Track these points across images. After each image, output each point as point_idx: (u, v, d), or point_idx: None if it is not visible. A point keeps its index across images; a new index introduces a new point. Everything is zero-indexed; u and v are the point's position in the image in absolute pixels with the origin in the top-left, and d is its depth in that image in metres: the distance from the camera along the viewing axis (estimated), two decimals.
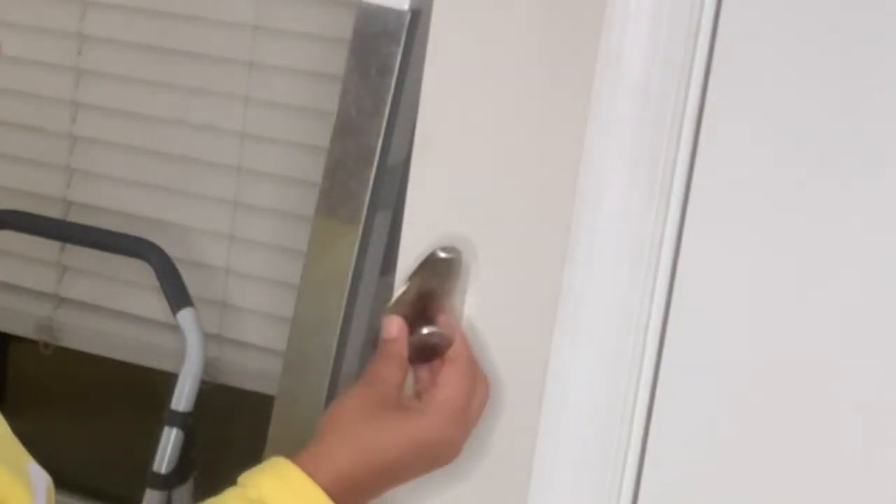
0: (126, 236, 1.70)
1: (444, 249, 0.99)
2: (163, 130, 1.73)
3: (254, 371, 1.73)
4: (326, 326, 1.20)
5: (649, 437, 0.98)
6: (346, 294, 1.18)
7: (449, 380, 0.96)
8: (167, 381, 1.67)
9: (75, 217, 1.80)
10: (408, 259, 1.05)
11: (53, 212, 1.80)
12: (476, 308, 1.02)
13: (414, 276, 0.98)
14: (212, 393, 1.71)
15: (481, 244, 1.01)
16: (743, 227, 0.93)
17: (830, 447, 0.93)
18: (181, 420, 1.64)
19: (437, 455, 0.96)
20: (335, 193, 1.17)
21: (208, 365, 1.69)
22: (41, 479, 0.87)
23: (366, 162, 1.15)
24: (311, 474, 0.91)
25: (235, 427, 1.84)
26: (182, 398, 1.64)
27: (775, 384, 0.94)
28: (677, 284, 0.96)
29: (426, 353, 0.97)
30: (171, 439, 1.64)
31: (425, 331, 0.98)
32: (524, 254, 1.01)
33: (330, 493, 0.91)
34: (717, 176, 0.93)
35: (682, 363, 0.96)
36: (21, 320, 1.87)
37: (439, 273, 0.99)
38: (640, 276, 0.95)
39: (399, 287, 0.98)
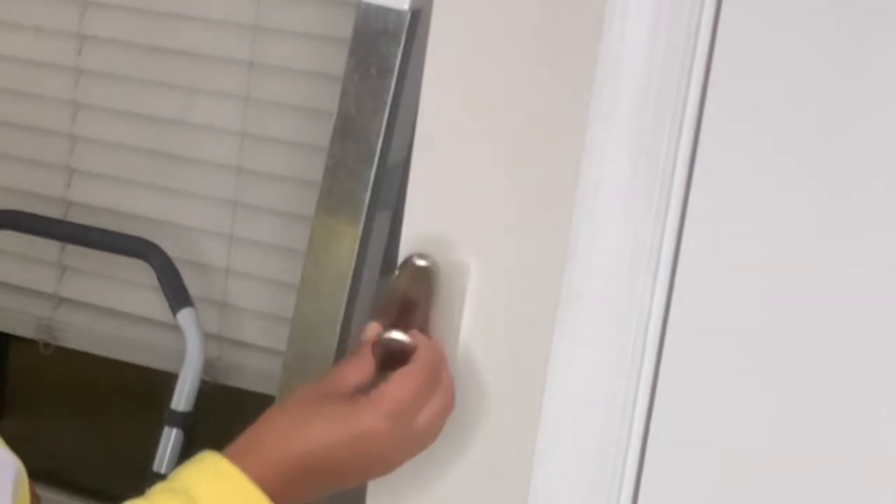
0: (126, 236, 1.70)
1: (420, 256, 0.99)
2: (163, 130, 1.73)
3: (254, 371, 1.73)
4: (326, 326, 1.20)
5: (649, 437, 0.98)
6: (346, 294, 1.18)
7: (397, 377, 0.95)
8: (167, 381, 1.68)
9: (75, 217, 1.80)
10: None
11: (53, 212, 1.80)
12: (476, 308, 1.02)
13: (396, 282, 0.99)
14: (212, 393, 1.71)
15: (481, 244, 1.01)
16: (743, 227, 0.93)
17: (831, 447, 0.93)
18: (181, 420, 1.64)
19: (367, 448, 0.93)
20: (335, 193, 1.17)
21: (208, 365, 1.69)
22: (8, 465, 0.87)
23: (366, 162, 1.15)
24: (240, 464, 0.90)
25: (235, 427, 1.83)
26: (182, 398, 1.64)
27: (775, 384, 0.94)
28: (677, 284, 0.96)
29: (394, 362, 0.97)
30: (171, 439, 1.64)
31: (388, 335, 0.97)
32: (524, 253, 1.01)
33: (260, 482, 0.89)
34: (717, 176, 0.93)
35: (682, 363, 0.96)
36: (21, 320, 1.87)
37: (420, 281, 0.99)
38: (640, 276, 0.95)
39: (382, 294, 0.98)
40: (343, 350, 1.20)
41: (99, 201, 1.79)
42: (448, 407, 0.98)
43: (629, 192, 0.95)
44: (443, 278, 1.00)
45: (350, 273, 1.18)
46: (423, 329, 0.99)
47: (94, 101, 1.77)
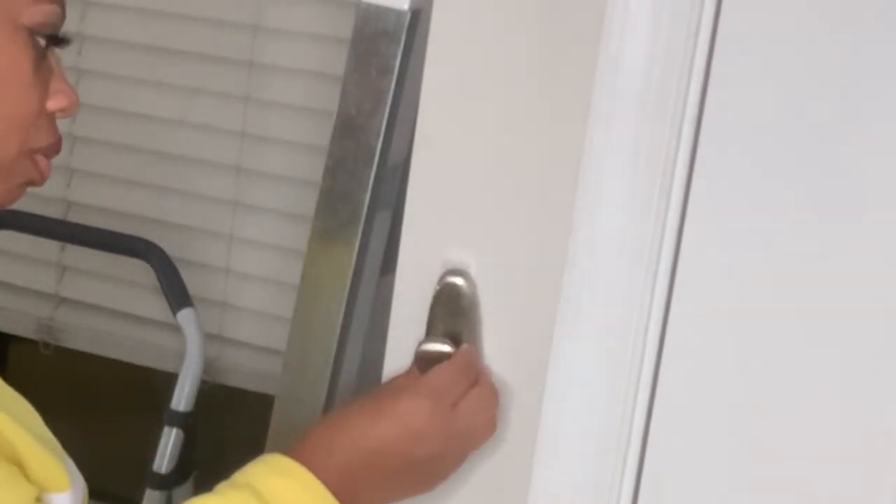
0: (126, 236, 1.70)
1: (455, 273, 1.00)
2: (163, 130, 1.73)
3: (254, 371, 1.73)
4: (326, 326, 1.20)
5: (649, 437, 0.98)
6: (346, 294, 1.18)
7: (437, 368, 0.97)
8: (167, 381, 1.68)
9: (75, 217, 1.80)
10: (408, 259, 1.05)
11: (53, 212, 1.80)
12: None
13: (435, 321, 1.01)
14: (212, 393, 1.71)
15: (481, 244, 1.01)
16: (743, 227, 0.93)
17: (831, 447, 0.93)
18: (181, 420, 1.64)
19: (413, 431, 0.94)
20: (335, 193, 1.17)
21: (208, 365, 1.69)
22: (78, 481, 0.89)
23: (366, 162, 1.15)
24: (310, 468, 0.91)
25: (235, 427, 1.83)
26: (182, 398, 1.64)
27: (775, 384, 0.94)
28: (677, 284, 0.96)
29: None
30: (171, 439, 1.64)
31: (424, 346, 1.00)
32: (524, 254, 1.01)
33: (329, 487, 0.91)
34: (717, 176, 0.93)
35: (682, 363, 0.96)
36: (21, 320, 1.87)
37: (458, 299, 1.00)
38: (640, 276, 0.95)
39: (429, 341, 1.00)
40: (343, 350, 1.20)
41: (99, 201, 1.79)
42: (490, 399, 0.99)
43: (629, 192, 0.95)
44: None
45: (350, 273, 1.18)
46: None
47: (94, 101, 1.77)
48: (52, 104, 0.93)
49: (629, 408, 0.98)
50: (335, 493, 0.91)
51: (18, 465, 0.85)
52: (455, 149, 1.02)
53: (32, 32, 0.89)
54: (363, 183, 1.16)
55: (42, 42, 0.90)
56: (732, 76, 0.92)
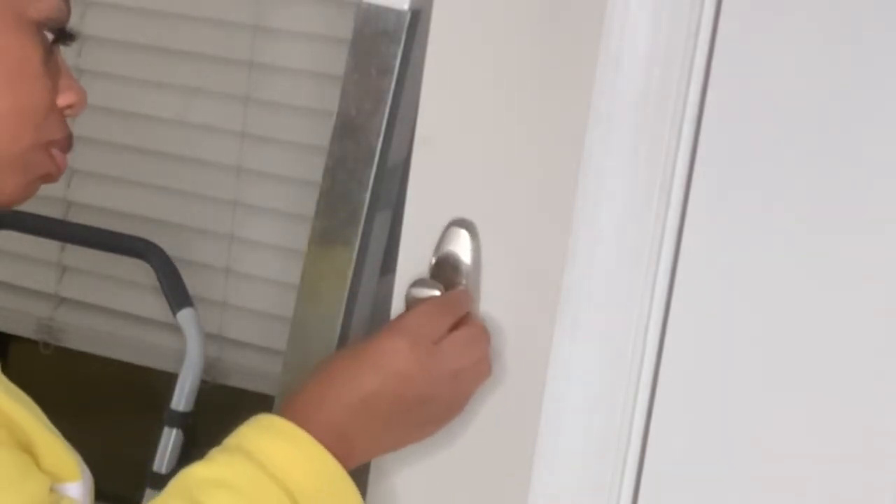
0: (126, 236, 1.70)
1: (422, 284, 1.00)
2: (163, 130, 1.73)
3: (254, 371, 1.73)
4: (326, 326, 1.19)
5: (649, 437, 0.98)
6: (346, 294, 1.18)
7: (416, 307, 0.96)
8: (167, 381, 1.67)
9: (75, 217, 1.80)
10: (408, 259, 1.05)
11: (53, 212, 1.80)
12: (476, 308, 1.02)
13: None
14: (212, 393, 1.71)
15: (481, 244, 1.01)
16: (743, 227, 0.93)
17: (831, 446, 0.93)
18: (181, 420, 1.64)
19: (395, 373, 0.93)
20: (335, 193, 1.17)
21: (208, 365, 1.69)
22: (86, 469, 0.89)
23: (366, 162, 1.15)
24: (302, 426, 0.90)
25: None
26: (182, 398, 1.64)
27: (775, 384, 0.94)
28: (677, 284, 0.96)
29: None
30: (171, 439, 1.64)
31: (413, 289, 0.99)
32: (524, 254, 1.01)
33: (324, 443, 0.89)
34: (717, 176, 0.93)
35: (682, 363, 0.96)
36: (21, 320, 1.87)
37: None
38: (640, 276, 0.95)
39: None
40: None
41: (99, 201, 1.79)
42: (478, 338, 0.97)
43: (629, 192, 0.95)
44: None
45: (350, 273, 1.18)
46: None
47: (94, 101, 1.76)
48: (62, 100, 0.93)
49: (629, 408, 0.98)
50: (330, 449, 0.90)
51: (31, 454, 0.85)
52: (455, 149, 1.02)
53: (40, 26, 0.89)
54: (363, 183, 1.16)
55: (49, 37, 0.90)
56: (732, 76, 0.92)
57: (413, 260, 1.04)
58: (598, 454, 0.99)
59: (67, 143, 0.94)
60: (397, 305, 1.04)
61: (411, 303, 0.99)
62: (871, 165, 0.89)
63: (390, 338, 0.94)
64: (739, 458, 0.95)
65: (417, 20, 1.12)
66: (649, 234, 0.95)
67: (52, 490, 0.85)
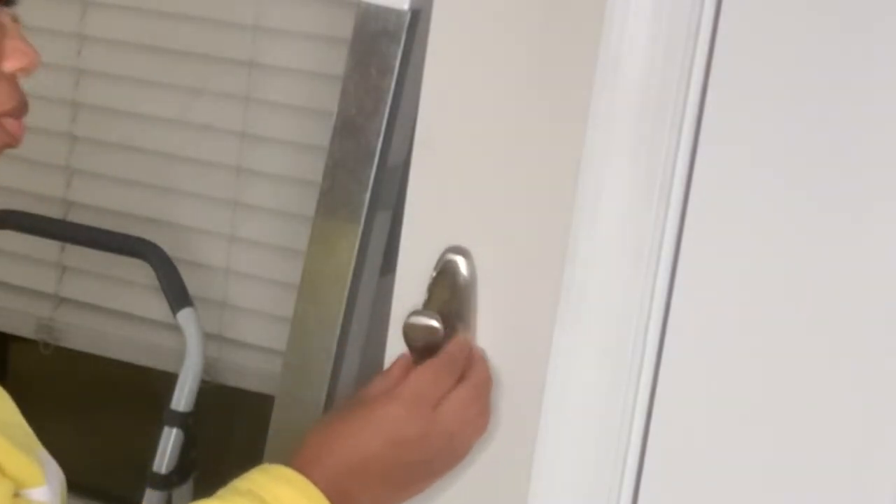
0: (126, 236, 1.70)
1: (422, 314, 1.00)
2: (163, 130, 1.73)
3: (254, 371, 1.73)
4: (326, 326, 1.20)
5: (649, 437, 0.98)
6: (346, 294, 1.18)
7: (416, 369, 0.97)
8: (167, 381, 1.67)
9: (75, 217, 1.80)
10: (408, 259, 1.05)
11: (53, 212, 1.80)
12: (476, 307, 1.02)
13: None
14: (212, 393, 1.71)
15: (481, 244, 1.01)
16: (743, 227, 0.93)
17: (831, 446, 0.93)
18: (181, 420, 1.64)
19: (395, 438, 0.94)
20: (335, 193, 1.17)
21: (208, 365, 1.69)
22: (54, 470, 0.89)
23: (366, 162, 1.15)
24: (308, 477, 0.92)
25: (235, 427, 1.83)
26: (182, 398, 1.63)
27: (775, 383, 0.94)
28: (677, 284, 0.96)
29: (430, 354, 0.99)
30: (171, 439, 1.63)
31: (413, 318, 1.00)
32: (524, 254, 1.01)
33: (328, 497, 0.91)
34: (717, 176, 0.93)
35: (682, 363, 0.96)
36: (21, 320, 1.87)
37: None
38: (640, 275, 0.95)
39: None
40: (343, 350, 1.20)
41: (99, 201, 1.79)
42: (477, 394, 0.98)
43: (629, 192, 0.95)
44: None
45: (350, 273, 1.18)
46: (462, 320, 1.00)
47: (94, 101, 1.77)
48: (8, 64, 0.89)
49: (629, 408, 0.98)
50: (333, 502, 0.92)
51: None
52: (455, 149, 1.02)
53: None
54: (363, 183, 1.16)
55: None
56: (732, 76, 0.92)
57: (413, 260, 1.04)
58: (597, 455, 0.99)
59: (20, 110, 0.90)
60: (397, 310, 1.04)
61: (409, 331, 0.99)
62: (872, 164, 0.89)
63: (390, 404, 0.96)
64: (739, 457, 0.95)
65: (417, 20, 1.12)
66: (649, 233, 0.95)
67: (16, 495, 0.84)
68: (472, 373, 0.99)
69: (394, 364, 1.01)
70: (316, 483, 0.91)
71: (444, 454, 0.98)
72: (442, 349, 0.99)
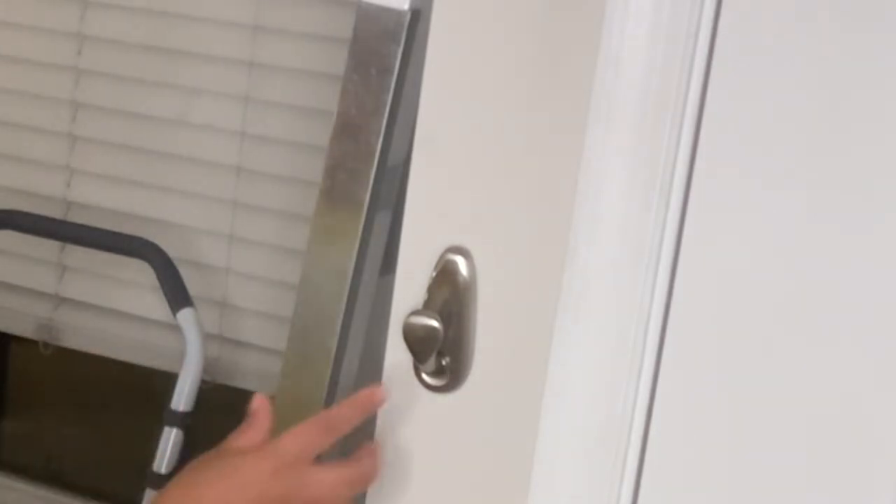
0: (126, 236, 1.70)
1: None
2: (163, 130, 1.73)
3: (254, 371, 1.73)
4: (326, 326, 1.20)
5: (649, 436, 0.98)
6: (346, 294, 1.18)
7: (293, 430, 1.01)
8: (167, 381, 1.67)
9: (75, 217, 1.80)
10: (408, 259, 1.05)
11: (53, 212, 1.80)
12: (476, 308, 1.02)
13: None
14: (212, 393, 1.71)
15: (481, 244, 1.01)
16: (743, 227, 0.93)
17: (831, 447, 0.93)
18: (181, 420, 1.64)
19: (258, 497, 0.98)
20: (335, 193, 1.17)
21: (208, 365, 1.69)
22: None
23: (366, 162, 1.15)
24: None
25: (235, 427, 1.83)
26: (182, 398, 1.64)
27: (775, 383, 0.94)
28: (677, 284, 0.96)
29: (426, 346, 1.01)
30: (171, 439, 1.64)
31: (413, 318, 1.02)
32: (524, 254, 1.01)
33: None
34: (717, 176, 0.93)
35: (682, 362, 0.96)
36: (21, 320, 1.87)
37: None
38: (640, 275, 0.95)
39: None
40: (343, 350, 1.20)
41: (99, 201, 1.79)
42: (353, 485, 1.01)
43: (629, 192, 0.95)
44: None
45: (350, 273, 1.18)
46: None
47: (94, 101, 1.77)
48: None
49: (629, 408, 0.98)
50: None
51: None
52: (454, 149, 1.02)
53: None
54: (363, 183, 1.16)
55: None
56: (732, 76, 0.92)
57: (413, 259, 1.04)
58: (598, 454, 0.99)
59: None
60: (397, 310, 1.04)
61: (409, 331, 1.00)
62: (872, 164, 0.89)
63: (257, 458, 0.99)
64: (739, 457, 0.95)
65: (417, 20, 1.12)
66: (649, 233, 0.95)
67: None
68: (365, 462, 1.02)
69: (251, 419, 1.06)
70: None
71: None
72: (314, 417, 1.02)
